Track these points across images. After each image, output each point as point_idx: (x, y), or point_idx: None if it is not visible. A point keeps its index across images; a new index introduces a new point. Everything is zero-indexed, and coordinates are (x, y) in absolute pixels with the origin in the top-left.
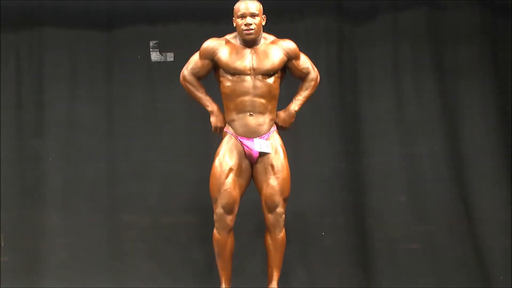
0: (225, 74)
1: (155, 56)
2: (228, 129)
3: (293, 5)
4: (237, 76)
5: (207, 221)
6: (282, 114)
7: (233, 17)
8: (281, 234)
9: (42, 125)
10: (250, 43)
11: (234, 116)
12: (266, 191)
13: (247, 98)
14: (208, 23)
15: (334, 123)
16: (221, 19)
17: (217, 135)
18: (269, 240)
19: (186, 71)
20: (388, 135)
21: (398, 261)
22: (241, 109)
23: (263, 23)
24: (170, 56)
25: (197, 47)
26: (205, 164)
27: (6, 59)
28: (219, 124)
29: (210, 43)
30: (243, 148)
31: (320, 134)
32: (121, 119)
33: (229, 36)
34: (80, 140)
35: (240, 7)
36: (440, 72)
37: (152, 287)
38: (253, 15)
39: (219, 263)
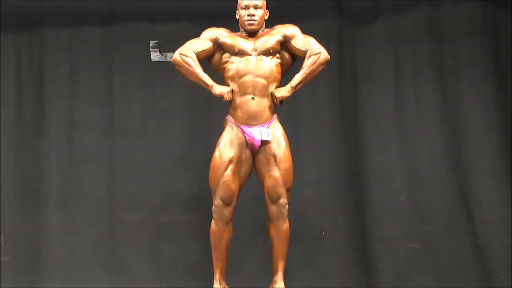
0: (228, 58)
1: (155, 56)
2: (229, 117)
3: (294, 6)
4: (240, 55)
5: (207, 220)
6: (280, 87)
7: (236, 9)
8: (285, 225)
9: (42, 124)
10: (251, 34)
11: (237, 100)
12: (268, 182)
13: (249, 78)
14: (208, 22)
15: (335, 123)
16: (222, 19)
17: (227, 101)
18: (273, 231)
19: (184, 49)
20: (388, 135)
21: (399, 261)
22: (244, 91)
23: (266, 18)
24: (170, 56)
25: None
26: (205, 163)
27: (6, 58)
28: (224, 89)
29: (213, 28)
30: (245, 137)
31: (321, 134)
32: (121, 118)
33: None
34: (80, 139)
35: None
36: (440, 72)
37: (152, 287)
38: (256, 7)
39: (214, 255)
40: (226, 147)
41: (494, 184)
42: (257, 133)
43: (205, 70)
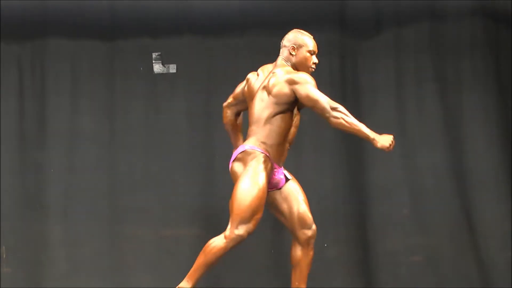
0: (294, 109)
1: (157, 68)
2: (266, 152)
3: (296, 18)
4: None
5: (209, 232)
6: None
7: (296, 45)
8: (313, 250)
9: (44, 135)
10: None
11: (282, 141)
12: (301, 208)
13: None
14: (211, 35)
15: (337, 136)
16: (224, 32)
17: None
18: (301, 256)
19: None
20: None
21: (401, 274)
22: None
23: None
24: (172, 68)
25: (199, 59)
26: (207, 176)
27: (8, 69)
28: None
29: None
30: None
31: (322, 146)
32: (123, 130)
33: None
34: (82, 151)
35: (314, 44)
36: (442, 84)
37: None
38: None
39: (203, 271)
40: (266, 182)
41: (496, 197)
42: (285, 173)
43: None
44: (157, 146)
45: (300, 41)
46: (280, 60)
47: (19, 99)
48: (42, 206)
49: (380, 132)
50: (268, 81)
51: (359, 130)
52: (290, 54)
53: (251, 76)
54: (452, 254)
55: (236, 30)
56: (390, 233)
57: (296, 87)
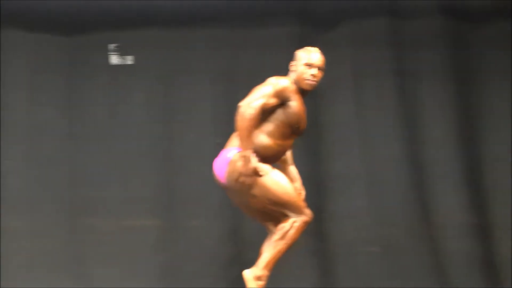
0: (283, 122)
1: (115, 59)
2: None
3: (256, 12)
4: (293, 134)
5: (169, 224)
6: None
7: (294, 61)
8: None
9: (2, 127)
10: (304, 93)
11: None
12: None
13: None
14: (169, 28)
15: None
16: (182, 24)
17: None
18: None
19: (257, 103)
20: (348, 139)
21: (358, 265)
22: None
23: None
24: (129, 59)
25: (157, 51)
26: (167, 167)
27: None
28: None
29: (289, 85)
30: None
31: None
32: (82, 122)
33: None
34: (41, 143)
35: (311, 56)
36: (400, 77)
37: None
38: (320, 69)
39: (286, 251)
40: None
41: (453, 188)
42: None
43: None
44: (117, 137)
45: (297, 56)
46: None
47: None
48: (0, 198)
49: (338, 127)
50: None
51: (242, 136)
52: (292, 71)
53: None
54: (409, 245)
55: (194, 22)
56: (347, 224)
57: None
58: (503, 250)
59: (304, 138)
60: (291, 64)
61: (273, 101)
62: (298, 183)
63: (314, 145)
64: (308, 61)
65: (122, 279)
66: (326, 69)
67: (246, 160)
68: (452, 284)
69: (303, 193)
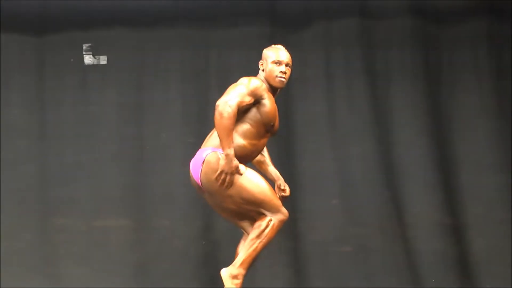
0: (257, 122)
1: (88, 59)
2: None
3: (228, 11)
4: (267, 134)
5: (140, 224)
6: None
7: (262, 60)
8: None
9: None
10: (275, 91)
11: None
12: None
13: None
14: (142, 27)
15: None
16: (155, 24)
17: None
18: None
19: (234, 101)
20: (320, 138)
21: (330, 264)
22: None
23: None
24: (103, 59)
25: (130, 51)
26: (137, 167)
27: None
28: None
29: (261, 84)
30: None
31: None
32: (53, 122)
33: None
34: (12, 143)
35: (279, 54)
36: (371, 77)
37: None
38: (287, 65)
39: (262, 249)
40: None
41: (424, 188)
42: None
43: None
44: (87, 137)
45: (264, 55)
46: None
47: None
48: None
49: (310, 125)
50: None
51: (222, 135)
52: (261, 70)
53: None
54: (382, 244)
55: (167, 22)
56: (320, 224)
57: None
58: (475, 250)
59: (276, 137)
60: (260, 63)
61: (248, 99)
62: (281, 181)
63: (286, 145)
64: (276, 58)
65: (93, 279)
66: (297, 69)
67: (229, 158)
68: (424, 284)
69: (288, 189)
